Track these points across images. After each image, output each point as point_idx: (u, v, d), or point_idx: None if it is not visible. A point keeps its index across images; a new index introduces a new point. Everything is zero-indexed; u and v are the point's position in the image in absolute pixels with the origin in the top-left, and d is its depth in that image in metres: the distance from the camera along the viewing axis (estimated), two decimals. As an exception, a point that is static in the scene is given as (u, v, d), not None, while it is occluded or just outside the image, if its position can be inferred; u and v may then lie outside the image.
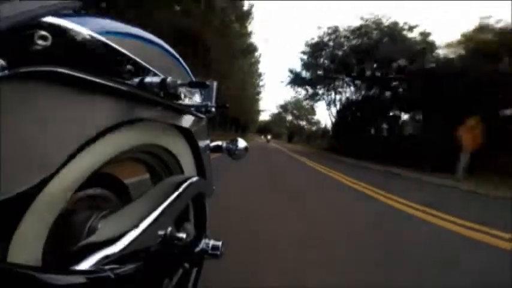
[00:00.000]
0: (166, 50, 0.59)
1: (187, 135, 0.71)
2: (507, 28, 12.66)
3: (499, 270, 1.90)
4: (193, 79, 0.67)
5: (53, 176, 0.34)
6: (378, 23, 18.73)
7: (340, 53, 20.56)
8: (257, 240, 1.91)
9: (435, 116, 12.61)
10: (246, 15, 16.91)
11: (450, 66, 12.75)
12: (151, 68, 0.48)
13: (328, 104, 24.06)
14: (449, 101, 12.03)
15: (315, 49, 21.95)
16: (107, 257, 0.36)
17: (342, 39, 20.41)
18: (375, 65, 18.45)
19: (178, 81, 0.49)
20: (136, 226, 0.42)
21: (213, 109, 0.67)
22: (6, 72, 0.27)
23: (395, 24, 18.13)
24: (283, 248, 1.82)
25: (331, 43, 20.95)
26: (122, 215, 0.47)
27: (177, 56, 0.64)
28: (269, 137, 37.35)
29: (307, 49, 22.37)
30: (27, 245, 0.33)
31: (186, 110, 0.63)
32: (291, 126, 52.54)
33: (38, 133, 0.31)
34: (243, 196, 3.23)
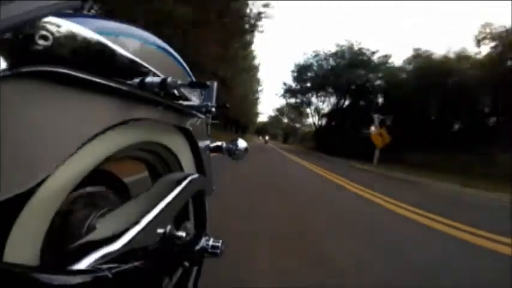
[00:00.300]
0: (167, 51, 0.59)
1: (188, 135, 0.71)
2: (433, 55, 19.43)
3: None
4: (194, 79, 0.67)
5: (52, 175, 0.34)
6: (350, 48, 25.93)
7: (320, 73, 28.41)
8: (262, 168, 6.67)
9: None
10: (248, 44, 21.95)
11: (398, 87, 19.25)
12: (151, 68, 0.48)
13: (314, 111, 32.37)
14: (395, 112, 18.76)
15: (302, 70, 29.87)
16: (105, 255, 0.36)
17: (323, 62, 28.38)
18: (339, 86, 26.15)
19: (179, 82, 0.49)
20: (135, 224, 0.42)
21: (213, 109, 0.67)
22: (7, 72, 0.27)
23: (361, 49, 25.39)
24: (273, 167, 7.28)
25: (314, 65, 29.19)
26: (120, 213, 0.47)
27: (178, 56, 0.63)
28: (267, 137, 36.09)
29: (296, 69, 30.73)
30: (25, 244, 0.33)
31: (186, 110, 0.63)
32: (286, 128, 56.38)
33: (38, 132, 0.31)
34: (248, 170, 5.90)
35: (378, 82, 23.63)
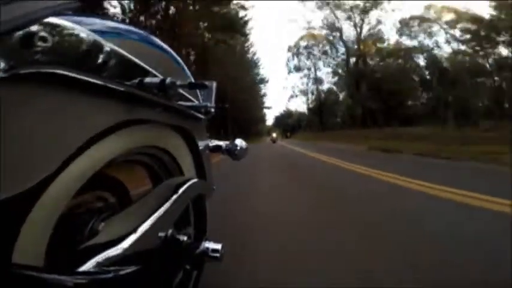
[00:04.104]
0: (166, 51, 0.59)
1: (187, 136, 0.71)
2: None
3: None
4: (193, 80, 0.67)
5: (54, 178, 0.34)
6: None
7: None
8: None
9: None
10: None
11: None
12: (150, 69, 0.48)
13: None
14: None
15: (278, 118, 61.30)
16: (108, 258, 0.36)
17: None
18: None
19: (178, 82, 0.49)
20: (137, 228, 0.42)
21: (212, 110, 0.67)
22: (8, 73, 0.26)
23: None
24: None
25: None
26: (122, 217, 0.47)
27: (177, 56, 0.64)
28: (274, 135, 33.94)
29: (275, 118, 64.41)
30: (30, 246, 0.33)
31: (185, 110, 0.63)
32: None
33: (39, 135, 0.31)
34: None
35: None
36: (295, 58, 26.76)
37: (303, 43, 26.67)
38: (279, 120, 60.90)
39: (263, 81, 33.88)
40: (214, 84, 0.67)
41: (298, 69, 27.01)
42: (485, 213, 1.94)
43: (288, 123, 52.91)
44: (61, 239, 0.39)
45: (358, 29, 21.70)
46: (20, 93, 0.29)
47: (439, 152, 6.96)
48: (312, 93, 30.14)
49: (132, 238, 0.40)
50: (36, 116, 0.31)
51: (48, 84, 0.31)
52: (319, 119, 28.10)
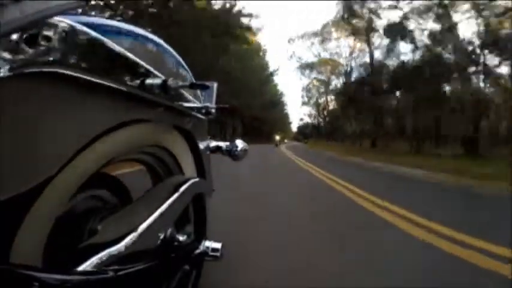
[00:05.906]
0: (168, 52, 0.59)
1: (188, 136, 0.71)
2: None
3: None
4: (194, 80, 0.67)
5: (54, 177, 0.34)
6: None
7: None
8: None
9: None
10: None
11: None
12: (152, 69, 0.48)
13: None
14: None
15: (300, 127, 62.33)
16: (107, 258, 0.36)
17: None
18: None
19: (179, 83, 0.49)
20: (136, 227, 0.42)
21: (213, 110, 0.67)
22: (11, 73, 0.26)
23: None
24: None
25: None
26: (122, 216, 0.46)
27: (178, 57, 0.63)
28: (277, 137, 28.06)
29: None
30: (29, 245, 0.32)
31: (186, 111, 0.63)
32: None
33: (41, 134, 0.31)
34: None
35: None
36: (305, 95, 39.51)
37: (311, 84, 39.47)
38: (300, 129, 69.63)
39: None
40: (215, 85, 0.67)
41: (306, 103, 39.96)
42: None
43: (306, 132, 60.16)
44: (60, 238, 0.39)
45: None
46: (23, 92, 0.29)
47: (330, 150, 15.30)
48: (314, 117, 45.56)
49: (131, 237, 0.40)
50: (39, 115, 0.31)
51: (52, 83, 0.31)
52: (317, 132, 43.90)
